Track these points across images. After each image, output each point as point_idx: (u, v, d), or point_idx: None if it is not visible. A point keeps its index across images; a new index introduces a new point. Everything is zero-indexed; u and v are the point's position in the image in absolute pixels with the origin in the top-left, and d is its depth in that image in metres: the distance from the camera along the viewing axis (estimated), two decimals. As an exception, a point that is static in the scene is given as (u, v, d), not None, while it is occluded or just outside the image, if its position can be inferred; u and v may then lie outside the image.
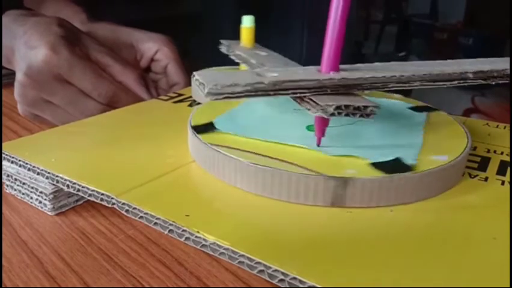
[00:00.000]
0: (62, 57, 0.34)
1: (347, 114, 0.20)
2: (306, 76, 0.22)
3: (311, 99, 0.21)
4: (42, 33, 0.35)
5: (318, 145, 0.23)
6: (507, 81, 0.25)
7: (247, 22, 0.33)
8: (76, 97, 0.35)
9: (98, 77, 0.36)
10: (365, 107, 0.21)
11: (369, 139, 0.25)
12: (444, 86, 0.24)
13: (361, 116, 0.21)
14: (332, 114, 0.20)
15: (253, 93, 0.21)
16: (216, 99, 0.20)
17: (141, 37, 0.44)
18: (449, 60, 0.26)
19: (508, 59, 0.26)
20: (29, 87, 0.34)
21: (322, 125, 0.23)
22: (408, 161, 0.22)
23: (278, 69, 0.24)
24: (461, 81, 0.24)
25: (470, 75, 0.24)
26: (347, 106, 0.20)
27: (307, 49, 0.57)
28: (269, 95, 0.21)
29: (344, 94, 0.22)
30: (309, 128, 0.26)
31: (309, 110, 0.21)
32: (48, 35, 0.34)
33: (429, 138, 0.25)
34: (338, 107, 0.20)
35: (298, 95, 0.22)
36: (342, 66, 0.23)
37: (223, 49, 0.34)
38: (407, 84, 0.23)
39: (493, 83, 0.25)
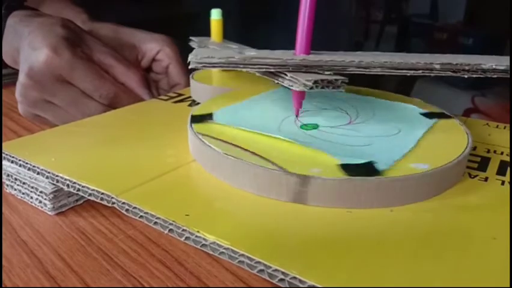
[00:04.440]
0: (63, 58, 0.34)
1: (322, 87, 0.23)
2: (274, 55, 0.25)
3: (292, 77, 0.24)
4: (45, 34, 0.35)
5: (297, 116, 0.27)
6: (482, 76, 0.25)
7: (216, 15, 0.37)
8: (77, 98, 0.35)
9: (100, 78, 0.36)
10: (336, 80, 0.24)
11: (360, 139, 0.25)
12: (407, 74, 0.25)
13: (333, 88, 0.24)
14: (311, 88, 0.23)
15: (225, 65, 0.25)
16: (196, 67, 0.25)
17: (143, 37, 0.44)
18: (436, 54, 0.27)
19: (494, 57, 0.26)
20: (31, 88, 0.35)
21: (299, 98, 0.26)
22: (381, 166, 0.21)
23: (258, 50, 0.27)
24: (426, 71, 0.25)
25: (437, 66, 0.25)
26: (322, 80, 0.23)
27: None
28: (239, 67, 0.25)
29: (316, 73, 0.24)
30: (302, 127, 0.26)
31: (291, 86, 0.24)
32: (51, 37, 0.34)
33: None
34: (316, 82, 0.23)
35: (264, 69, 0.25)
36: (315, 51, 0.26)
37: (194, 45, 0.37)
38: (367, 70, 0.25)
39: (465, 76, 0.25)
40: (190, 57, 0.25)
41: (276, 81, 0.26)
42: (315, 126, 0.26)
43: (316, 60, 0.25)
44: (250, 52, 0.26)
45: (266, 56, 0.25)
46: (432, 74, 0.25)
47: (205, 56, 0.25)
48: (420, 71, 0.25)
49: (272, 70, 0.25)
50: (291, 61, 0.25)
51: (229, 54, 0.25)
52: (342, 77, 0.24)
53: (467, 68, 0.25)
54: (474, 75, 0.25)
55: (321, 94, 0.26)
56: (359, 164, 0.21)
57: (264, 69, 0.25)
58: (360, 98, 0.32)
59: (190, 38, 0.38)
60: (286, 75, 0.25)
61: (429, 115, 0.29)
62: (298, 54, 0.26)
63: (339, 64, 0.25)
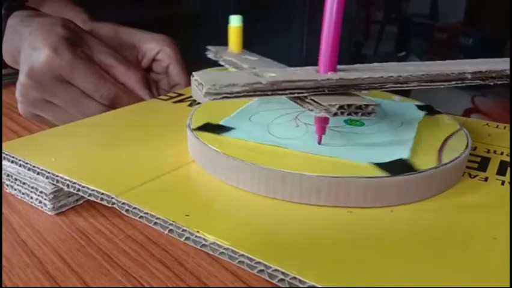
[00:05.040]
0: (64, 58, 0.34)
1: (349, 114, 0.21)
2: (304, 76, 0.22)
3: (313, 100, 0.21)
4: (46, 34, 0.35)
5: (319, 143, 0.23)
6: (506, 82, 0.25)
7: (236, 21, 0.32)
8: (77, 98, 0.36)
9: (100, 78, 0.36)
10: (366, 105, 0.21)
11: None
12: (442, 86, 0.24)
13: (363, 115, 0.21)
14: (335, 114, 0.20)
15: (251, 93, 0.21)
16: (215, 99, 0.21)
17: (143, 37, 0.44)
18: (447, 61, 0.26)
19: (507, 59, 0.26)
20: (31, 88, 0.35)
21: (322, 123, 0.23)
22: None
23: (276, 69, 0.24)
24: (459, 82, 0.24)
25: (469, 76, 0.24)
26: (349, 105, 0.21)
27: (307, 48, 0.58)
28: (267, 95, 0.21)
29: (342, 94, 0.22)
30: (347, 122, 0.26)
31: (311, 110, 0.21)
32: (51, 37, 0.35)
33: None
34: (341, 107, 0.20)
35: (296, 95, 0.22)
36: (339, 67, 0.23)
37: (210, 55, 0.34)
38: (404, 85, 0.23)
39: (492, 83, 0.25)
40: (207, 88, 0.20)
41: (296, 103, 0.23)
42: (362, 123, 0.26)
43: (353, 78, 0.22)
44: (272, 73, 0.23)
45: (296, 79, 0.21)
46: (464, 84, 0.24)
47: (225, 84, 0.21)
48: (454, 82, 0.24)
49: (306, 94, 0.22)
50: (326, 82, 0.22)
51: (251, 79, 0.21)
52: (374, 102, 0.21)
53: (494, 75, 0.24)
54: (499, 82, 0.25)
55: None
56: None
57: (295, 95, 0.22)
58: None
59: (207, 47, 0.35)
60: (306, 97, 0.22)
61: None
62: (323, 71, 0.23)
63: (378, 81, 0.23)
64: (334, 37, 0.22)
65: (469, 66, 0.25)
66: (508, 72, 0.25)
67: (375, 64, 0.25)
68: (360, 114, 0.21)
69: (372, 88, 0.23)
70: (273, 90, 0.21)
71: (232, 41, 0.33)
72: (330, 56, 0.22)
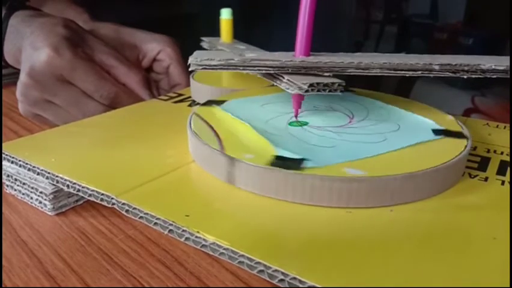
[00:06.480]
0: (64, 58, 0.34)
1: (318, 90, 0.24)
2: (273, 57, 0.25)
3: (289, 80, 0.24)
4: (47, 34, 0.35)
5: (296, 116, 0.27)
6: (481, 76, 0.25)
7: (226, 14, 0.37)
8: (78, 98, 0.36)
9: (101, 78, 0.36)
10: (333, 83, 0.24)
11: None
12: (406, 75, 0.25)
13: (330, 91, 0.24)
14: (306, 91, 0.23)
15: (225, 67, 0.25)
16: (196, 69, 0.25)
17: (144, 37, 0.44)
18: (427, 55, 0.27)
19: (494, 57, 0.26)
20: (32, 87, 0.35)
21: (298, 99, 0.27)
22: (310, 164, 0.21)
23: (257, 52, 0.28)
24: (426, 72, 0.25)
25: (436, 67, 0.25)
26: (318, 83, 0.23)
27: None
28: (239, 69, 0.25)
29: (315, 75, 0.25)
30: (291, 124, 0.27)
31: (287, 89, 0.24)
32: (52, 37, 0.35)
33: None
34: (311, 85, 0.23)
35: (263, 71, 0.25)
36: (315, 53, 0.26)
37: (205, 45, 0.38)
38: (366, 71, 0.25)
39: (465, 76, 0.25)
40: (191, 59, 0.25)
41: (274, 84, 0.26)
42: (303, 123, 0.27)
43: (315, 61, 0.25)
44: (252, 54, 0.26)
45: (265, 58, 0.25)
46: (431, 75, 0.25)
47: (205, 58, 0.25)
48: (420, 72, 0.25)
49: (271, 72, 0.25)
50: (290, 63, 0.25)
51: (229, 56, 0.26)
52: (339, 80, 0.24)
53: (466, 68, 0.25)
54: (473, 76, 0.25)
55: (335, 96, 0.26)
56: (290, 158, 0.22)
57: (263, 71, 0.25)
58: (376, 103, 0.31)
59: (201, 38, 0.38)
60: (283, 77, 0.25)
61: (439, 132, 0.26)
62: (297, 56, 0.26)
63: (338, 65, 0.25)
64: (308, 26, 0.25)
65: (444, 60, 0.25)
66: (483, 67, 0.25)
67: (357, 53, 0.27)
68: (327, 90, 0.24)
69: (332, 72, 0.25)
70: (244, 66, 0.25)
71: (224, 32, 0.37)
72: (304, 42, 0.26)
